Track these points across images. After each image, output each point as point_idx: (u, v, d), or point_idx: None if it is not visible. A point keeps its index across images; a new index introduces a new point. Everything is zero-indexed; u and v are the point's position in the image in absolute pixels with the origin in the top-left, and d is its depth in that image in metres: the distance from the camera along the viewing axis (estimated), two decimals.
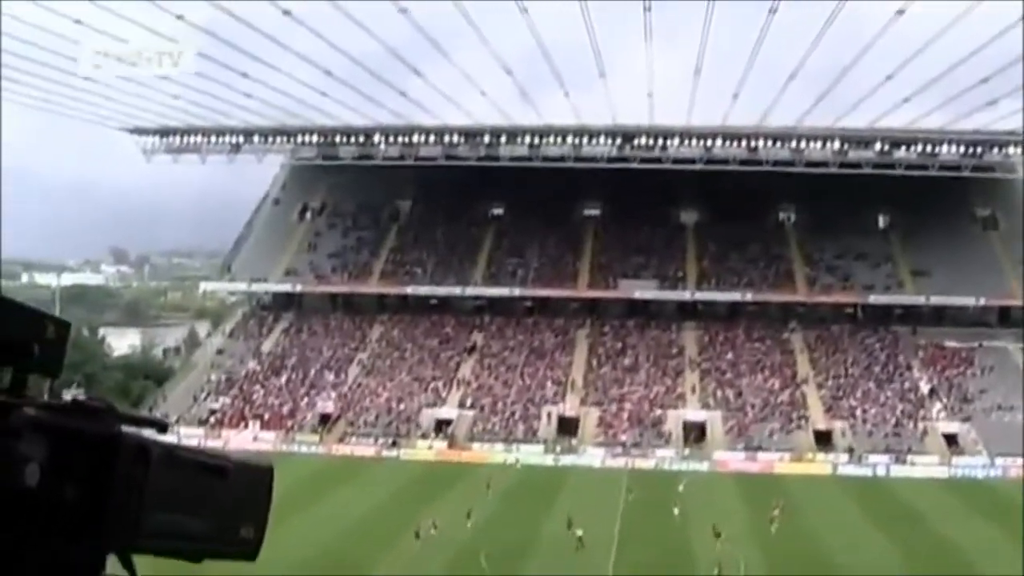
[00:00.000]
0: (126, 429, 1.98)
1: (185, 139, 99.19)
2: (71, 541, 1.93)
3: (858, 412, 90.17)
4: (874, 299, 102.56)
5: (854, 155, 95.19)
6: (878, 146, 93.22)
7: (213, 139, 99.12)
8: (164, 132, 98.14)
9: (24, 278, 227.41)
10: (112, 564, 2.00)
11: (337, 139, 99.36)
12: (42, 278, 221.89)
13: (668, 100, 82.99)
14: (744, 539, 56.85)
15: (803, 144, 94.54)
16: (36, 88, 72.13)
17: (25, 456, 1.86)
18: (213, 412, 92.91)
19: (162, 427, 2.12)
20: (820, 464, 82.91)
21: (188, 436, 76.80)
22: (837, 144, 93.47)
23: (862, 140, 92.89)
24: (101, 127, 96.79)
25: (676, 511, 63.30)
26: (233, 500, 2.13)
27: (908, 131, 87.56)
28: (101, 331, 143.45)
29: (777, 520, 59.97)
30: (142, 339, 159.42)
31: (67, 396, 2.07)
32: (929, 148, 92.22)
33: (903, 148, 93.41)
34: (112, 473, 1.91)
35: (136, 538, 1.94)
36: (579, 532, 55.08)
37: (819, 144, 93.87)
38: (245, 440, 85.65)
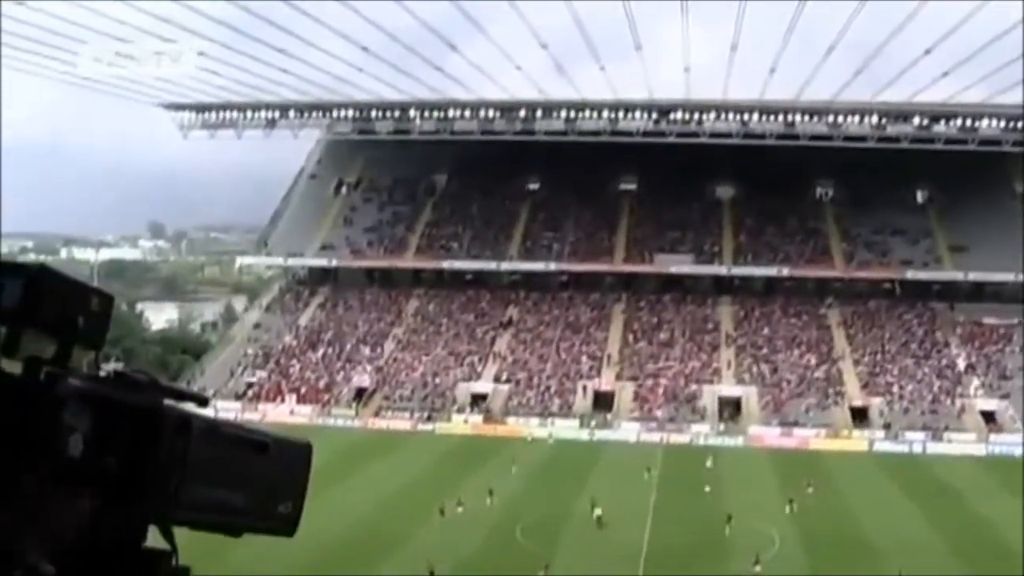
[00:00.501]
0: (168, 402, 2.02)
1: (221, 115, 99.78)
2: (112, 511, 1.97)
3: (895, 389, 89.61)
4: (912, 275, 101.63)
5: (892, 130, 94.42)
6: (917, 120, 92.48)
7: (249, 114, 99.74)
8: (200, 108, 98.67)
9: (63, 253, 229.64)
10: (153, 536, 2.03)
11: (373, 114, 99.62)
12: (81, 253, 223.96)
13: (705, 74, 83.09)
14: (778, 516, 56.75)
15: (841, 119, 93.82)
16: (71, 64, 72.53)
17: (69, 426, 1.88)
18: (250, 386, 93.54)
19: (203, 401, 2.16)
20: (856, 440, 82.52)
21: (225, 410, 77.37)
22: (875, 119, 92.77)
23: (900, 114, 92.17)
24: (138, 103, 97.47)
25: (707, 488, 63.14)
26: (272, 476, 2.16)
27: (947, 105, 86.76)
28: (139, 306, 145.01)
29: (798, 501, 59.37)
30: (180, 313, 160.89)
31: (106, 369, 2.11)
32: (968, 122, 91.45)
33: (942, 122, 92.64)
34: (154, 445, 1.95)
35: (176, 510, 1.98)
36: (598, 512, 54.70)
37: (857, 119, 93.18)
38: (282, 414, 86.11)
